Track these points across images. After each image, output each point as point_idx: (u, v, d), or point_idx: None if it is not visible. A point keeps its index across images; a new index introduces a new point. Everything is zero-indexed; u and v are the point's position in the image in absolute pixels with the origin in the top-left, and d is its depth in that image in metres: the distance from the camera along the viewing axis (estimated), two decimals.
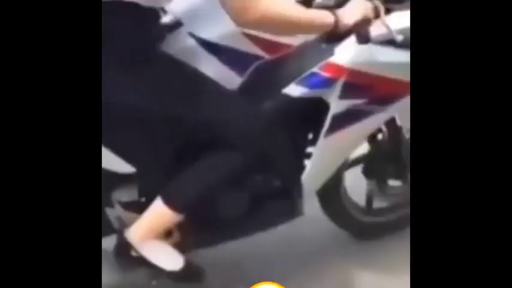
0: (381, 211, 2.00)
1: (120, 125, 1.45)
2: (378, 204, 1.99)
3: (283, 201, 1.72)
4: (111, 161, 1.50)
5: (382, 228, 2.02)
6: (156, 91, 1.43)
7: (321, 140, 1.59)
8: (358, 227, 2.00)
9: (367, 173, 1.92)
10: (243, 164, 1.51)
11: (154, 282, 1.58)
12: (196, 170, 1.50)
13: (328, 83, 1.52)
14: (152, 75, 1.43)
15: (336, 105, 1.55)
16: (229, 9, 1.28)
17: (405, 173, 1.88)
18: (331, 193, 1.86)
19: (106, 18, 1.15)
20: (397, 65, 1.53)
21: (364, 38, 1.39)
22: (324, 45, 1.51)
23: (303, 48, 1.53)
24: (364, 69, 1.53)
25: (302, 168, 1.66)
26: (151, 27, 1.42)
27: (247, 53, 1.48)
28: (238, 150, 1.49)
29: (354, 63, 1.52)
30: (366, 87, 1.56)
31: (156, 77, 1.43)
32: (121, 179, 1.55)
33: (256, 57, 1.50)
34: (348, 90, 1.54)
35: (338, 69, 1.51)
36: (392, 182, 1.94)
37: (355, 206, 1.96)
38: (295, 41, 1.53)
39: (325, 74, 1.51)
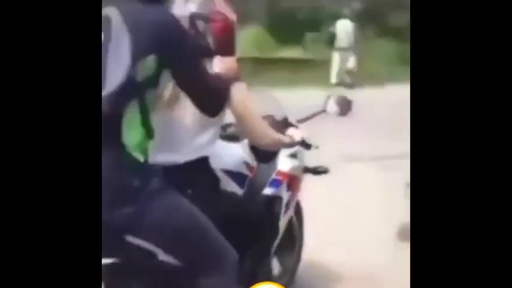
0: None
1: None
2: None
3: None
4: None
5: None
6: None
7: (281, 220, 2.54)
8: None
9: None
10: None
11: None
12: None
13: (281, 183, 2.52)
14: None
15: (285, 196, 2.54)
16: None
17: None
18: None
19: None
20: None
21: (308, 147, 2.47)
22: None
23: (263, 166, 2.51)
24: (294, 172, 2.59)
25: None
26: None
27: (245, 175, 2.35)
28: None
29: (289, 169, 2.57)
30: (295, 183, 2.62)
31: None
32: None
33: (247, 176, 2.39)
34: (289, 186, 2.57)
35: (283, 173, 2.53)
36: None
37: None
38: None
39: (279, 178, 2.51)
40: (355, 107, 2.75)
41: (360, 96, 2.71)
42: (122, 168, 1.62)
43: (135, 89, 1.60)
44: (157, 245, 1.73)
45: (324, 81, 11.48)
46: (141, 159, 1.66)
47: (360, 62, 12.45)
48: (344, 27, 12.46)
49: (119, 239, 1.68)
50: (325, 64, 12.81)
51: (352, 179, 5.10)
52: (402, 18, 14.53)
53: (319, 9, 16.15)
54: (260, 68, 13.27)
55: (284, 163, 2.56)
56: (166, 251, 1.75)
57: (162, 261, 1.78)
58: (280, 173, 2.52)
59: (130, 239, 1.69)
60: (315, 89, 9.13)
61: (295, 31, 15.34)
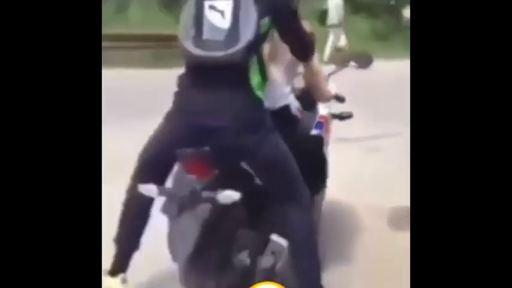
0: None
1: None
2: None
3: None
4: None
5: None
6: None
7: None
8: None
9: None
10: None
11: None
12: None
13: (323, 125, 3.10)
14: None
15: (325, 136, 3.12)
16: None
17: None
18: None
19: None
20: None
21: (342, 100, 3.04)
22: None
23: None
24: (327, 116, 3.16)
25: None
26: None
27: (299, 118, 2.83)
28: None
29: (326, 114, 3.14)
30: (329, 126, 3.19)
31: None
32: None
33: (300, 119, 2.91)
34: (327, 127, 3.15)
35: (324, 117, 3.11)
36: None
37: None
38: None
39: (321, 120, 3.09)
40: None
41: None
42: (250, 104, 2.10)
43: (257, 44, 2.07)
44: (257, 173, 2.19)
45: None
46: (262, 97, 2.14)
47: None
48: (335, 4, 12.72)
49: (235, 165, 2.15)
50: None
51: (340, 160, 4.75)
52: None
53: None
54: None
55: (323, 109, 3.13)
56: (264, 179, 2.20)
57: (256, 185, 2.21)
58: (322, 117, 3.08)
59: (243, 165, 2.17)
60: None
61: None
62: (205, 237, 2.00)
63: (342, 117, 3.30)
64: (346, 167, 4.29)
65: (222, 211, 2.04)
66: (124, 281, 2.22)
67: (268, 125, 2.15)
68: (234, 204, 2.01)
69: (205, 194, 2.01)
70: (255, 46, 2.05)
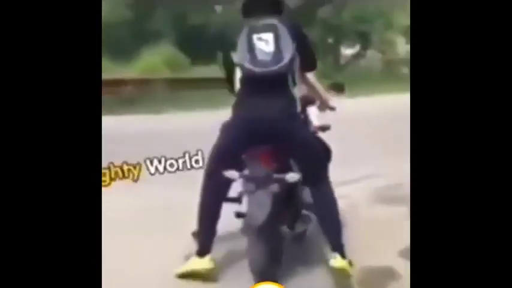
0: None
1: None
2: None
3: None
4: None
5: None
6: None
7: None
8: None
9: None
10: None
11: None
12: None
13: (316, 132, 3.15)
14: None
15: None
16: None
17: None
18: None
19: None
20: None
21: (333, 109, 3.27)
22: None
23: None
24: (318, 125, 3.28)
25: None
26: None
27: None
28: None
29: (317, 123, 3.21)
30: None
31: None
32: None
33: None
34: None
35: (316, 127, 3.16)
36: None
37: None
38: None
39: (315, 130, 3.12)
40: None
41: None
42: (289, 101, 2.83)
43: (292, 64, 2.83)
44: (293, 157, 2.83)
45: None
46: (297, 97, 2.89)
47: None
48: None
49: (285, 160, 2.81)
50: None
51: None
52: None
53: (227, 26, 16.09)
54: (175, 89, 13.31)
55: (315, 121, 3.26)
56: (298, 163, 2.82)
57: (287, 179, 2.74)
58: (315, 127, 3.30)
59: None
60: None
61: (207, 49, 14.15)
62: (275, 207, 2.69)
63: (323, 128, 3.55)
64: None
65: (285, 189, 2.77)
66: (211, 259, 2.89)
67: (301, 118, 2.98)
68: (280, 193, 2.72)
69: (275, 175, 2.70)
70: (290, 66, 2.82)
